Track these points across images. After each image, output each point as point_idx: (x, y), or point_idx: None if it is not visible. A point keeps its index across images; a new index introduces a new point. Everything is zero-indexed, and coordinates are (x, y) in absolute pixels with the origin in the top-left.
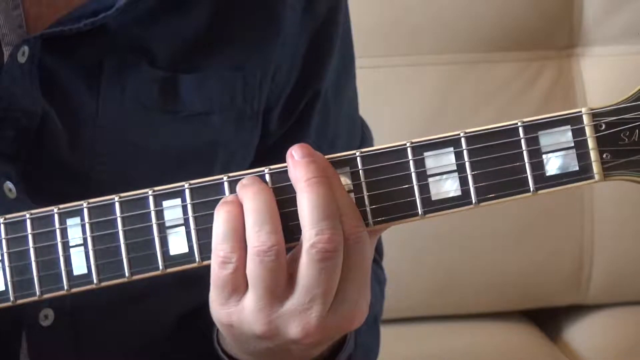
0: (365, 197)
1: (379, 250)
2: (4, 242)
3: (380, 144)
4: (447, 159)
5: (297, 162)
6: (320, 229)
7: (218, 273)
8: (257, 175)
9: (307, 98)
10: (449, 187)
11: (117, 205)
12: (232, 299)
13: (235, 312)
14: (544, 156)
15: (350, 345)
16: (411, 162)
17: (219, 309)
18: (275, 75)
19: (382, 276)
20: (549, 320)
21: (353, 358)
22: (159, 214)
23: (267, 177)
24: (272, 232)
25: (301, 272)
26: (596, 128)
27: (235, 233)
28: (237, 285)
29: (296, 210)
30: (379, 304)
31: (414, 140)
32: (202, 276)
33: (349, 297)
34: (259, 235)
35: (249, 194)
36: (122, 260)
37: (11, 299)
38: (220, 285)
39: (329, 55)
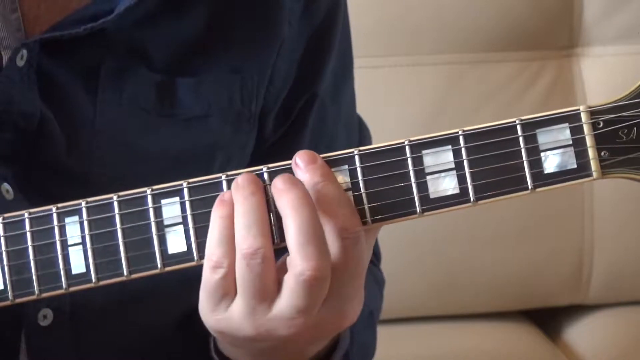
0: (364, 195)
1: (376, 253)
2: (2, 240)
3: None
4: (445, 156)
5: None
6: (306, 254)
7: (209, 278)
8: (255, 174)
9: (304, 101)
10: (447, 185)
11: (115, 204)
12: (222, 305)
13: (223, 319)
14: (542, 154)
15: (345, 342)
16: (409, 160)
17: (209, 315)
18: (273, 78)
19: (380, 276)
20: (549, 320)
21: (350, 355)
22: (158, 213)
23: (266, 176)
24: (258, 235)
25: (286, 292)
26: (594, 126)
27: (229, 239)
28: (227, 291)
29: None
30: (374, 301)
31: (412, 138)
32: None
33: (344, 294)
34: (246, 238)
35: (240, 197)
36: (120, 258)
37: (10, 297)
38: (211, 290)
39: (327, 57)
